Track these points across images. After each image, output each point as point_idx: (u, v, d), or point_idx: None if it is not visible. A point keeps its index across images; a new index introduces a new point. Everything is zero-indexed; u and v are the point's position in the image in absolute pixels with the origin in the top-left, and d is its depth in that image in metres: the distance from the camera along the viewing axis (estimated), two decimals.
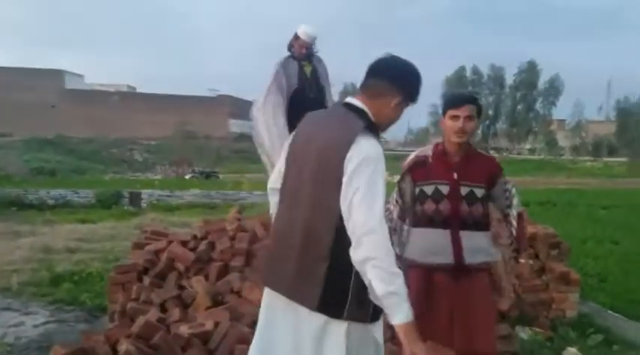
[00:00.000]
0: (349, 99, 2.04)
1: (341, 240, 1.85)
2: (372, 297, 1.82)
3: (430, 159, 2.83)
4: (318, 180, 1.93)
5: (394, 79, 2.00)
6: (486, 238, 2.78)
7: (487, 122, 70.01)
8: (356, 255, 1.79)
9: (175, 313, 3.78)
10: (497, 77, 68.22)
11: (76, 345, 3.15)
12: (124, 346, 3.00)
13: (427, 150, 2.89)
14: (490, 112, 69.70)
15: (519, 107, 66.98)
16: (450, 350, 2.78)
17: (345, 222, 1.83)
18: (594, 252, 8.66)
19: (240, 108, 62.10)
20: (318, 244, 1.91)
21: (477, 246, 2.72)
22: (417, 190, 2.82)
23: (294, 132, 2.16)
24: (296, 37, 4.71)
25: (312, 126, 2.07)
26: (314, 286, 1.90)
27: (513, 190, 2.83)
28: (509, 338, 3.69)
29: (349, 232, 1.82)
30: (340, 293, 1.88)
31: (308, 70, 4.79)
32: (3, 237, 8.82)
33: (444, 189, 2.74)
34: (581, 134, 68.76)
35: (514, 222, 2.79)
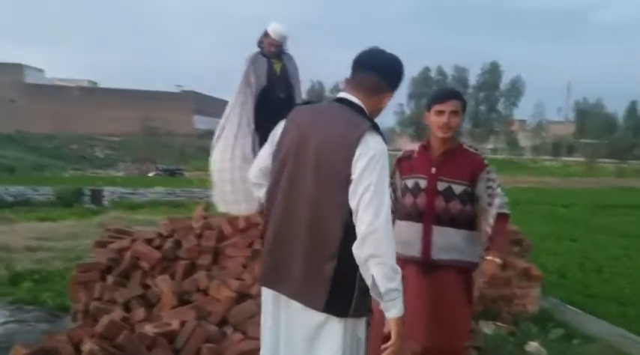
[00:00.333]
0: (345, 96, 2.03)
1: (349, 238, 1.86)
2: (372, 293, 1.86)
3: (415, 154, 2.86)
4: (322, 178, 1.91)
5: (386, 74, 2.04)
6: (463, 236, 2.74)
7: None
8: (361, 251, 1.82)
9: (140, 312, 3.72)
10: (461, 78, 69.25)
11: (37, 345, 3.07)
12: (87, 346, 2.94)
13: (416, 145, 2.92)
14: None
15: (482, 107, 68.12)
16: (414, 343, 2.80)
17: (354, 218, 1.85)
18: (554, 248, 8.92)
19: (205, 104, 61.45)
20: (326, 243, 1.91)
21: (449, 243, 2.70)
22: (403, 184, 2.86)
23: (281, 129, 2.10)
24: (266, 34, 4.67)
25: (307, 123, 2.02)
26: (321, 286, 1.92)
27: (498, 190, 2.76)
28: (473, 333, 3.76)
29: (357, 229, 1.83)
30: (347, 292, 1.92)
31: (278, 67, 4.75)
32: None
33: (422, 183, 2.76)
34: (541, 134, 70.49)
35: (491, 221, 2.74)
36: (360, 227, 1.81)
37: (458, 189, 2.72)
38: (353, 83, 2.04)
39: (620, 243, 9.84)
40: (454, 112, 2.70)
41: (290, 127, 2.07)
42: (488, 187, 2.75)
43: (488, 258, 2.78)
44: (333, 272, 1.90)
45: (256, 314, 3.62)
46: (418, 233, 2.73)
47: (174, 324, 3.47)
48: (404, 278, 2.72)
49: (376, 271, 1.80)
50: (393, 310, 1.86)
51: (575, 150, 64.19)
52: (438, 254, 2.70)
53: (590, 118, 64.52)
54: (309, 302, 1.95)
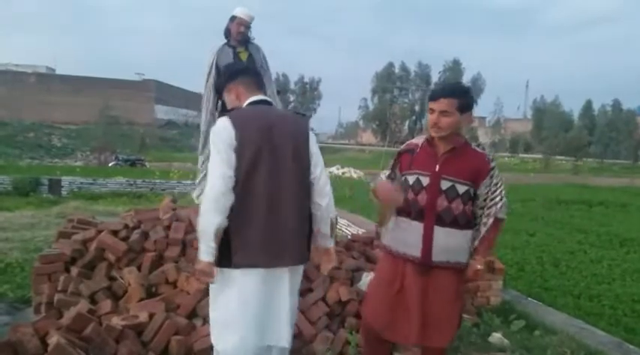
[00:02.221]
0: (263, 97, 2.64)
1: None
2: (330, 232, 2.68)
3: (418, 149, 2.73)
4: (298, 161, 2.52)
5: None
6: (464, 237, 2.64)
7: (414, 117, 72.11)
8: (329, 204, 2.63)
9: (106, 305, 3.67)
10: (424, 74, 70.23)
11: (1, 339, 2.97)
12: (54, 338, 2.87)
13: (420, 138, 2.78)
14: (417, 108, 71.83)
15: None
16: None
17: (316, 184, 2.60)
18: (512, 242, 9.13)
19: (167, 93, 60.34)
20: (306, 208, 2.59)
21: (451, 244, 2.61)
22: (403, 179, 2.73)
23: (236, 137, 2.39)
24: (232, 18, 4.61)
25: (264, 124, 2.47)
26: (306, 244, 2.63)
27: (503, 193, 2.66)
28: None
29: (319, 190, 2.60)
30: (309, 241, 2.66)
31: (244, 56, 4.68)
32: None
33: (425, 181, 2.63)
34: (500, 131, 72.12)
35: (490, 223, 2.64)
36: (325, 188, 2.61)
37: (461, 188, 2.60)
38: (256, 86, 2.66)
39: (576, 237, 10.13)
40: (443, 112, 2.55)
41: (248, 132, 2.42)
42: (493, 192, 2.64)
43: (473, 260, 2.68)
44: (308, 230, 2.62)
45: None
46: (419, 233, 2.61)
47: (143, 317, 3.43)
48: (402, 276, 2.69)
49: (333, 216, 2.66)
50: (332, 240, 2.72)
51: (533, 147, 65.92)
52: (438, 256, 2.60)
53: (546, 116, 66.28)
54: (301, 260, 2.61)
